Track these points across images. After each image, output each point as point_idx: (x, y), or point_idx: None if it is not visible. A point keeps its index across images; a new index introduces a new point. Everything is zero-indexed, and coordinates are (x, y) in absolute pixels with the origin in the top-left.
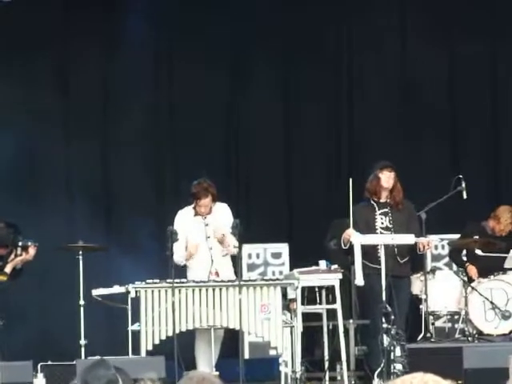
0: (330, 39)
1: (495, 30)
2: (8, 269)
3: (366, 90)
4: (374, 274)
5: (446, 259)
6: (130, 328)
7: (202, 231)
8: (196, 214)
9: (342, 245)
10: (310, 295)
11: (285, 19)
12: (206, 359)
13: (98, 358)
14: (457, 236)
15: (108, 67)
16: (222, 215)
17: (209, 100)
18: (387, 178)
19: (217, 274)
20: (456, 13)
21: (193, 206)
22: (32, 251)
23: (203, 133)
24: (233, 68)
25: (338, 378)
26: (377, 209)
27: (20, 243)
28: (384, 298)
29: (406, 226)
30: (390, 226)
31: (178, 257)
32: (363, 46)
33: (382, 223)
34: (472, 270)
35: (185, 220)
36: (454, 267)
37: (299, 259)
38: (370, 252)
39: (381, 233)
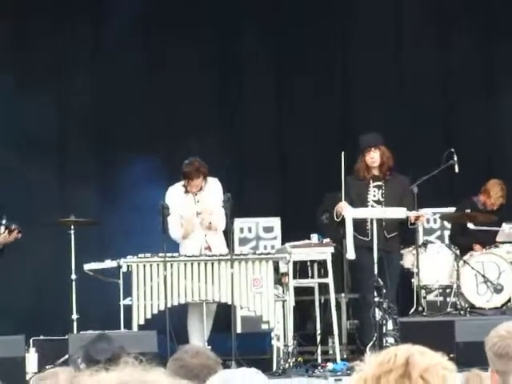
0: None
1: (490, 27)
2: None
3: (360, 62)
4: (362, 247)
5: (438, 233)
6: (122, 302)
7: (193, 207)
8: (186, 191)
9: (335, 217)
10: (301, 269)
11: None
12: (199, 333)
13: (98, 332)
14: (448, 210)
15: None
16: (212, 191)
17: (202, 78)
18: (371, 159)
19: (209, 248)
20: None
21: (183, 183)
22: (14, 235)
23: (196, 108)
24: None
25: (330, 351)
26: (371, 181)
27: (3, 222)
28: (376, 272)
29: (399, 200)
30: (382, 199)
31: (175, 235)
32: (358, 43)
33: (374, 196)
34: (480, 249)
35: (176, 196)
36: (446, 240)
37: (291, 233)
38: (359, 225)
39: (372, 206)
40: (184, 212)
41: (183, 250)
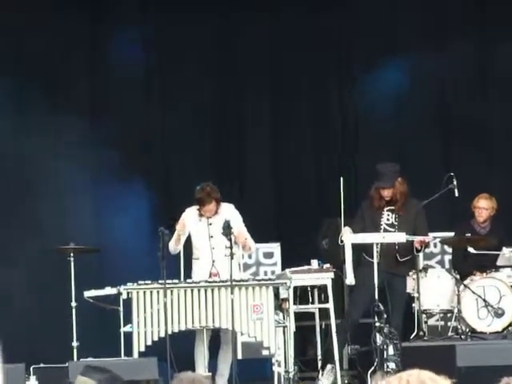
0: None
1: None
2: None
3: (359, 86)
4: (368, 267)
5: (439, 257)
6: (123, 329)
7: (206, 230)
8: (201, 215)
9: (339, 242)
10: (302, 295)
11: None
12: (205, 360)
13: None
14: (449, 234)
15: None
16: (231, 217)
17: (199, 102)
18: (385, 194)
19: (217, 274)
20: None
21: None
22: None
23: (194, 134)
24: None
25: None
26: (385, 204)
27: None
28: (376, 297)
29: (413, 225)
30: (396, 223)
31: (170, 246)
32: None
33: (388, 220)
34: (480, 275)
35: (189, 218)
36: (447, 265)
37: (291, 259)
38: (368, 246)
39: (385, 230)
40: (197, 235)
41: (193, 273)
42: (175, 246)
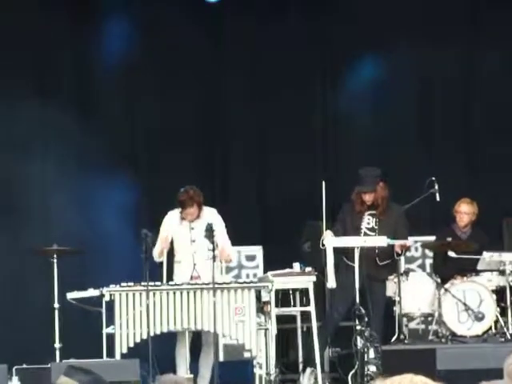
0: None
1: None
2: None
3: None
4: (349, 271)
5: (420, 261)
6: (105, 331)
7: (188, 235)
8: (182, 218)
9: (321, 245)
10: (284, 298)
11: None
12: (186, 362)
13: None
14: (430, 238)
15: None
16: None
17: (183, 104)
18: (366, 199)
19: (198, 277)
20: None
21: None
22: None
23: (178, 135)
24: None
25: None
26: (366, 209)
27: None
28: (357, 300)
29: (393, 229)
30: (376, 227)
31: (154, 253)
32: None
33: (369, 223)
34: (461, 279)
35: (171, 222)
36: (428, 269)
37: (273, 261)
38: (349, 250)
39: (365, 233)
40: (179, 239)
41: (175, 276)
42: (158, 258)
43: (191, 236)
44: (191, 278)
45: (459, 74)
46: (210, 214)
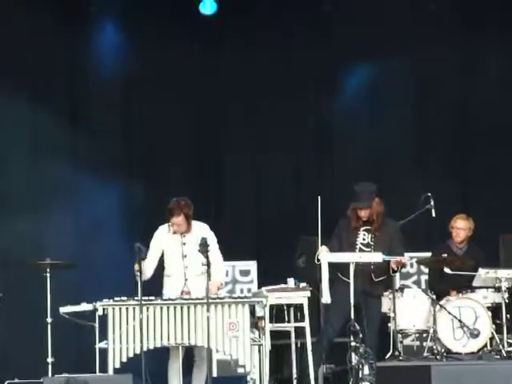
0: None
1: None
2: None
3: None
4: (343, 287)
5: (415, 277)
6: (98, 346)
7: (179, 249)
8: (174, 232)
9: (316, 260)
10: (278, 313)
11: None
12: (179, 377)
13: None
14: (425, 254)
15: None
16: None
17: (177, 117)
18: (362, 214)
19: (188, 293)
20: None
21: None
22: None
23: (172, 149)
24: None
25: None
26: (361, 224)
27: None
28: (352, 316)
29: (389, 245)
30: (372, 243)
31: (144, 272)
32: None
33: (364, 239)
34: (456, 295)
35: (162, 236)
36: (423, 285)
37: (267, 277)
38: (344, 266)
39: (360, 249)
40: (170, 253)
41: (164, 290)
42: (147, 274)
43: (183, 251)
44: (182, 292)
45: (457, 85)
46: (201, 230)
